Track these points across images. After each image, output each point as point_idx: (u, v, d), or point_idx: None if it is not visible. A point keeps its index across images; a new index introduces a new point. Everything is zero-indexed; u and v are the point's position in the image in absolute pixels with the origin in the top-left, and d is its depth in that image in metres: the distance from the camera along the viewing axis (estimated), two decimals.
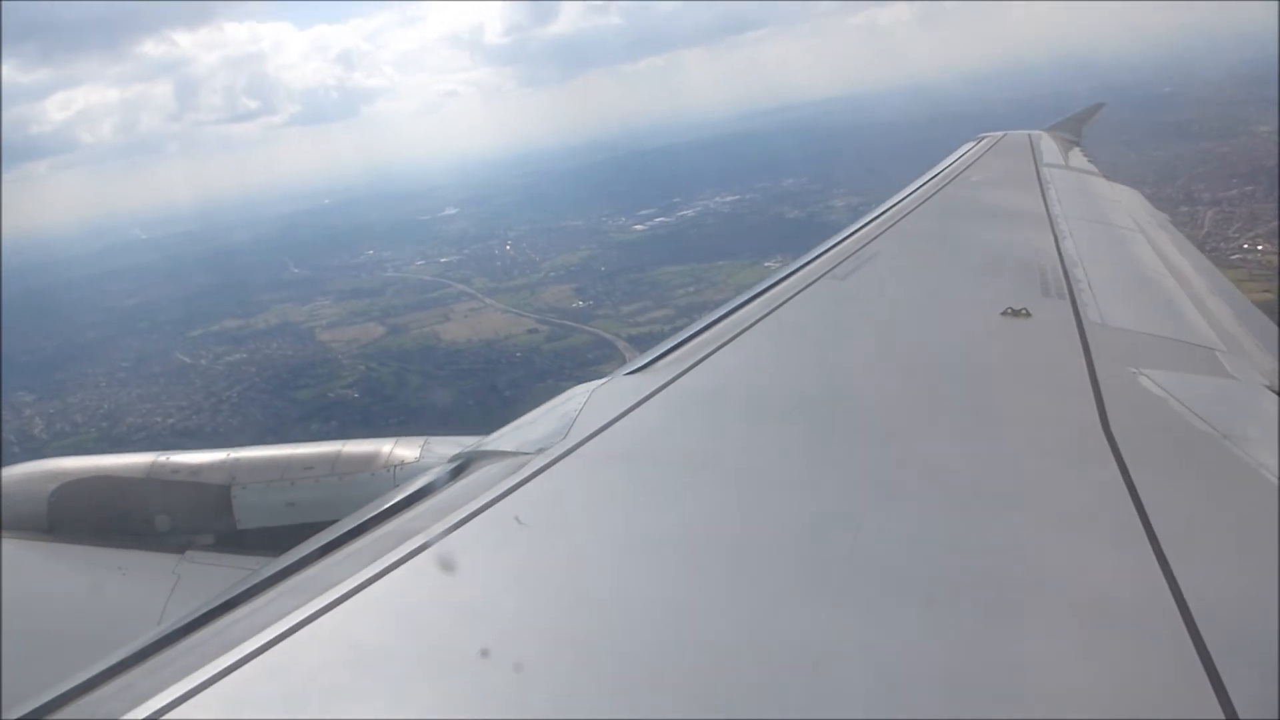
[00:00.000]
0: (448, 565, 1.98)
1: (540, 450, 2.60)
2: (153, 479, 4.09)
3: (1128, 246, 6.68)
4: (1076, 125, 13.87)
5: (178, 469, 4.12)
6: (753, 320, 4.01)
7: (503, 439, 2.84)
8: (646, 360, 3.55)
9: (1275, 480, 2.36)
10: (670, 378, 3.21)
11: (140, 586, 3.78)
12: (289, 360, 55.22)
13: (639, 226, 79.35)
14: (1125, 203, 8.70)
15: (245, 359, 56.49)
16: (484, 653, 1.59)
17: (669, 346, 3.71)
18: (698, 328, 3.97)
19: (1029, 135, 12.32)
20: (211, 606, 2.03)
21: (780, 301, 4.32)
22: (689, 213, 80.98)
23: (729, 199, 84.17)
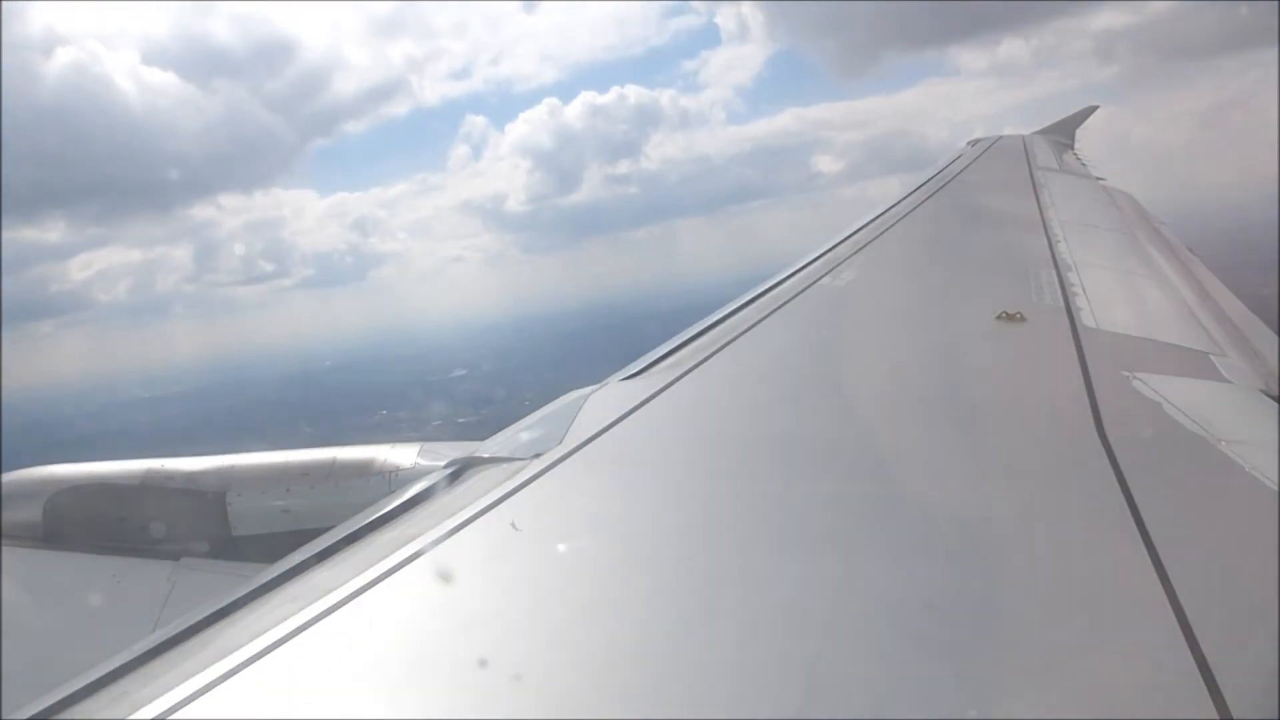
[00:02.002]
0: (444, 571, 1.98)
1: (536, 456, 2.60)
2: (148, 486, 4.08)
3: (1122, 249, 6.70)
4: (1069, 128, 13.92)
5: (173, 476, 4.12)
6: (748, 325, 4.01)
7: (498, 444, 2.84)
8: (642, 366, 3.55)
9: (1270, 484, 2.37)
10: (665, 383, 3.21)
11: (135, 593, 3.77)
12: None
13: None
14: (1119, 205, 8.72)
15: None
16: (480, 658, 1.59)
17: (664, 352, 3.71)
18: (692, 333, 3.97)
19: (1023, 138, 12.36)
20: (207, 614, 2.02)
21: (775, 306, 4.32)
22: None
23: None
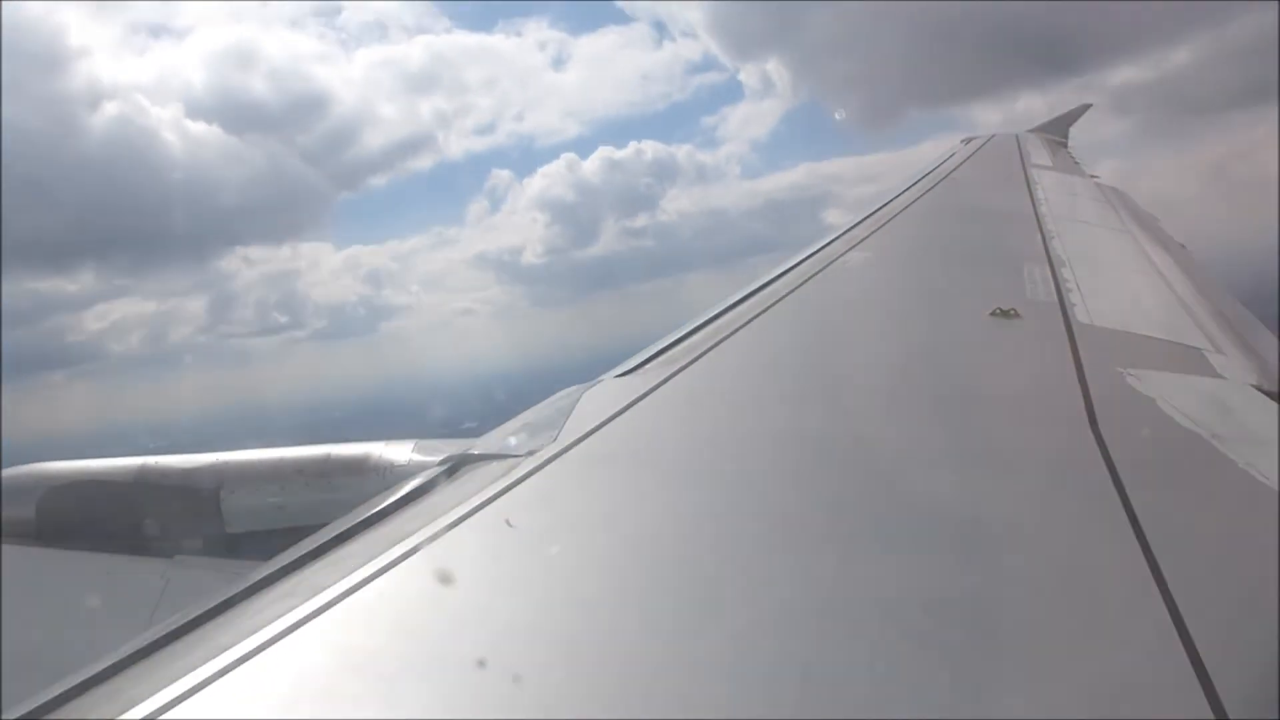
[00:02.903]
0: (438, 569, 1.98)
1: (530, 452, 2.60)
2: (141, 483, 4.07)
3: (1115, 246, 6.71)
4: (1063, 125, 13.93)
5: (167, 473, 4.10)
6: (743, 322, 4.01)
7: (493, 441, 2.84)
8: (637, 362, 3.55)
9: (1264, 480, 2.37)
10: (660, 379, 3.21)
11: (129, 591, 3.76)
12: None
13: None
14: (1112, 202, 8.74)
15: None
16: (475, 657, 1.59)
17: (659, 348, 3.71)
18: (687, 330, 3.97)
19: (1016, 136, 12.37)
20: (200, 611, 2.02)
21: (769, 304, 4.32)
22: None
23: None
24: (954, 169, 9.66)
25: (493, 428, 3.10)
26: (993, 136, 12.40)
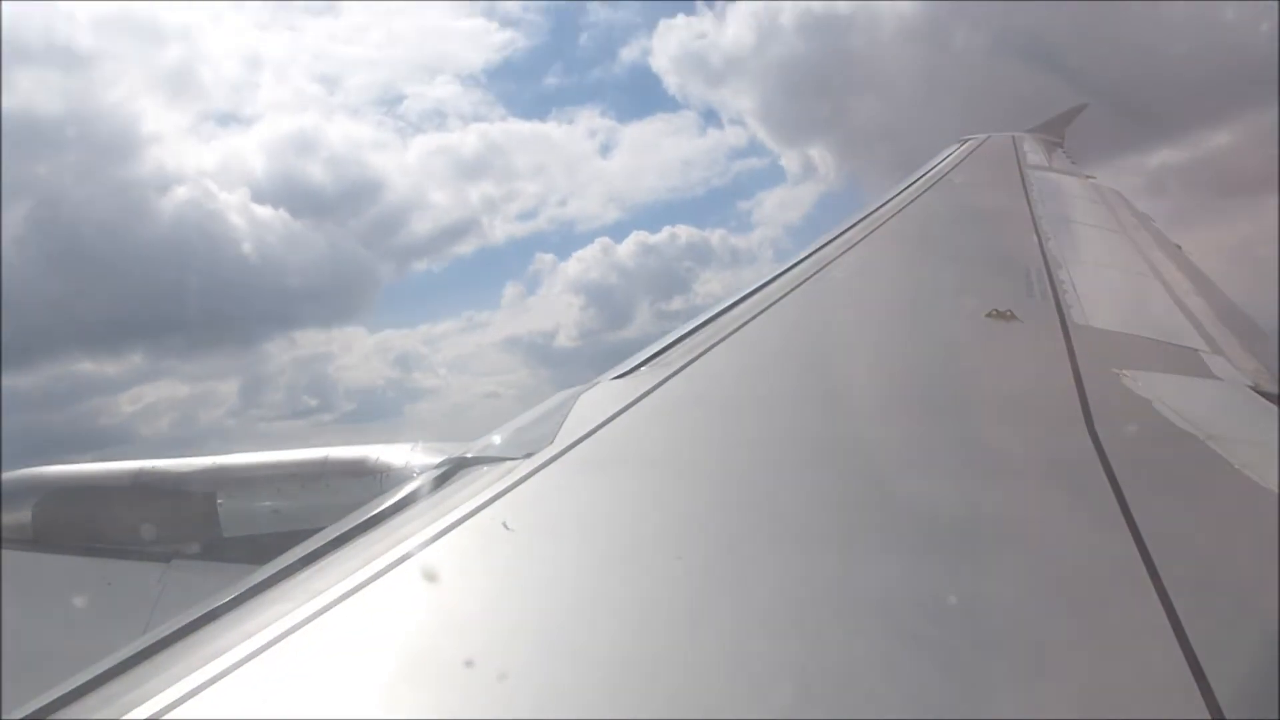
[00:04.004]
0: (435, 572, 1.98)
1: (527, 455, 2.59)
2: (138, 487, 4.07)
3: (1111, 247, 6.72)
4: (1059, 127, 13.94)
5: (163, 477, 4.10)
6: (739, 323, 4.01)
7: (490, 444, 2.83)
8: (633, 364, 3.55)
9: (1260, 481, 2.38)
10: (657, 381, 3.21)
11: (126, 596, 3.76)
12: None
13: None
14: (1108, 202, 8.75)
15: None
16: (473, 659, 1.59)
17: (655, 350, 3.71)
18: (684, 331, 3.97)
19: (1012, 137, 12.37)
20: (197, 615, 2.02)
21: (766, 305, 4.32)
22: None
23: None
24: (950, 169, 9.67)
25: (489, 431, 3.09)
26: (989, 137, 12.40)
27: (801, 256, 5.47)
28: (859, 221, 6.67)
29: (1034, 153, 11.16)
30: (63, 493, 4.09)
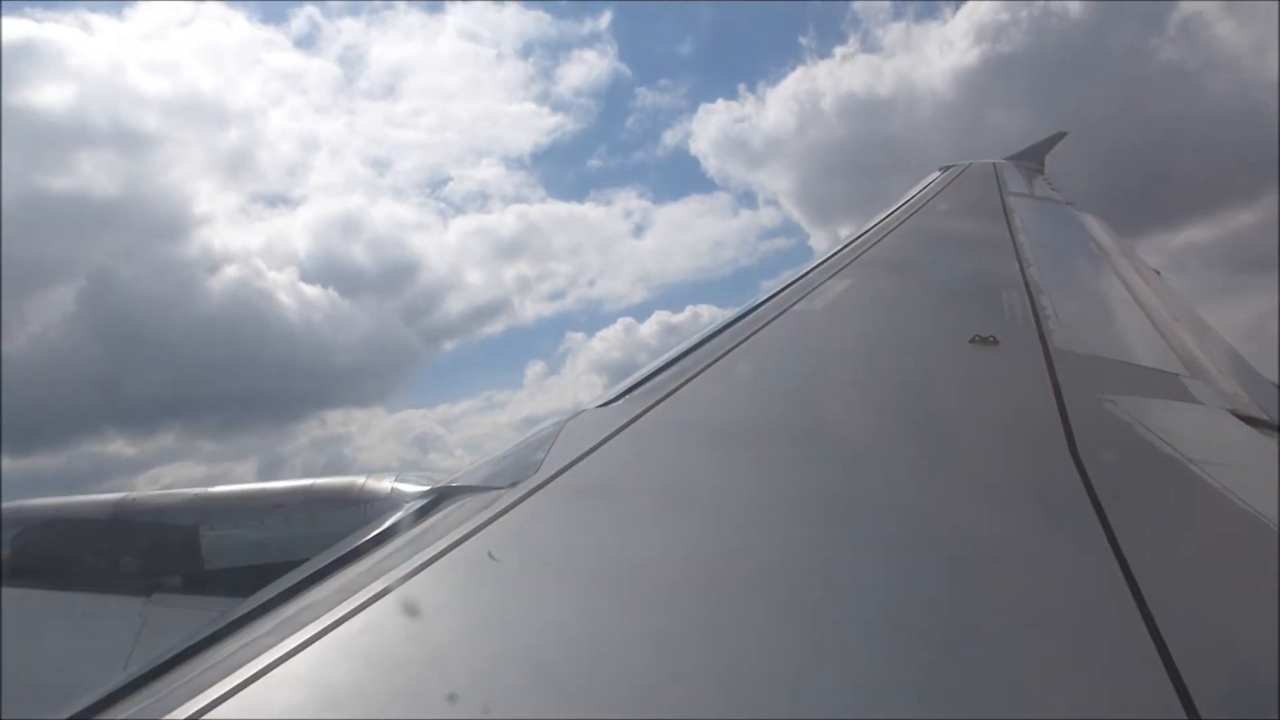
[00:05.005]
0: (421, 603, 1.96)
1: (513, 484, 2.59)
2: (119, 520, 4.02)
3: (1092, 272, 6.78)
4: (1039, 154, 14.09)
5: (145, 509, 4.06)
6: (724, 350, 4.02)
7: (474, 474, 2.83)
8: (618, 392, 3.55)
9: (1242, 504, 2.39)
10: (642, 409, 3.21)
11: (106, 631, 3.71)
12: None
13: None
14: (1088, 229, 8.84)
15: None
16: (460, 692, 1.57)
17: (641, 378, 3.71)
18: (668, 359, 3.98)
19: (993, 164, 12.49)
20: (179, 650, 2.00)
21: (750, 332, 4.34)
22: None
23: None
24: (932, 197, 9.75)
25: (475, 460, 3.09)
26: (970, 164, 12.52)
27: (785, 284, 5.50)
28: (842, 249, 6.71)
29: (1015, 180, 11.26)
30: (42, 526, 4.05)
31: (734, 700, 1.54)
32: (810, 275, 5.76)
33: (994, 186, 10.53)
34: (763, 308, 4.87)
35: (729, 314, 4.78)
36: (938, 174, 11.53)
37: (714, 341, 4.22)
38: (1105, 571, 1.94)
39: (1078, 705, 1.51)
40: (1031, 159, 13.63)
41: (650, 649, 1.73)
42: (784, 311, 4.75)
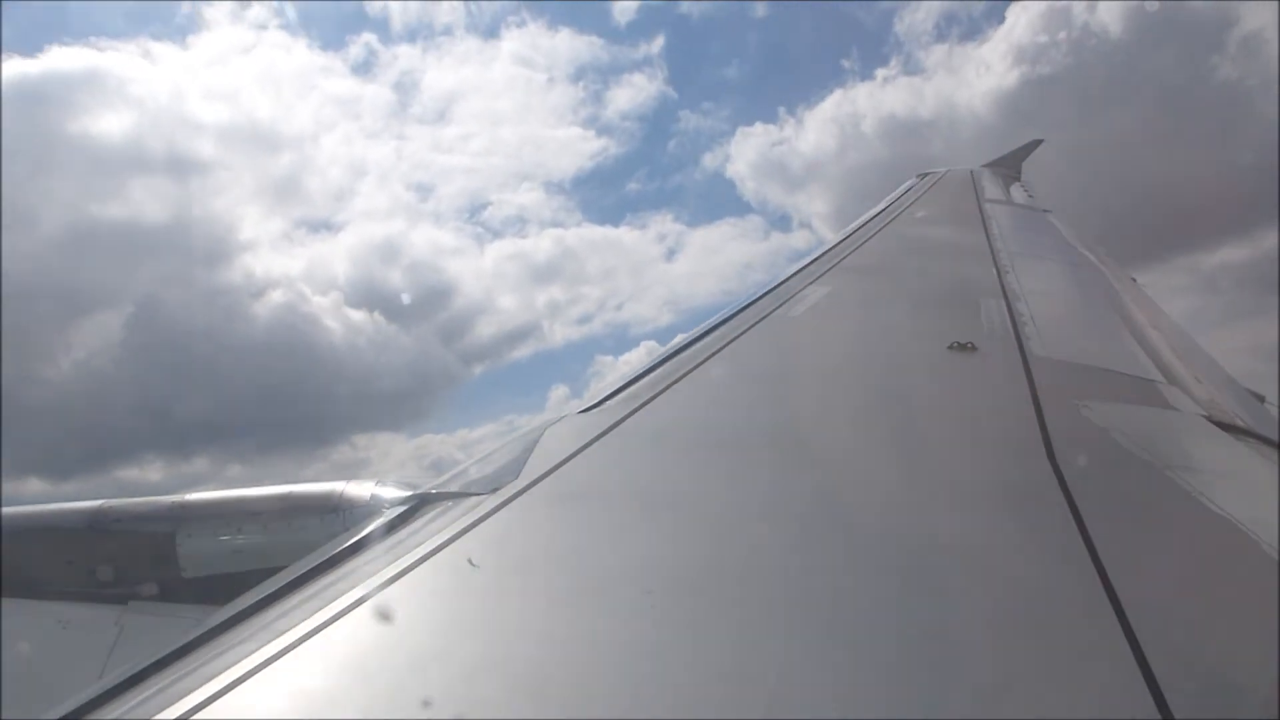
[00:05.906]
0: (400, 610, 1.96)
1: (493, 490, 2.58)
2: (95, 528, 3.98)
3: (1069, 279, 6.83)
4: (1015, 161, 14.22)
5: (121, 516, 4.02)
6: (703, 357, 4.03)
7: (455, 479, 2.82)
8: (599, 398, 3.55)
9: (1217, 510, 2.41)
10: (623, 415, 3.21)
11: (81, 640, 3.67)
12: None
13: None
14: (1065, 235, 8.91)
15: None
16: (438, 698, 1.57)
17: (621, 384, 3.72)
18: (649, 365, 3.98)
19: (970, 171, 12.59)
20: (156, 659, 1.98)
21: (729, 339, 4.35)
22: None
23: None
24: (910, 204, 9.81)
25: (455, 466, 3.08)
26: (947, 171, 12.61)
27: (764, 291, 5.52)
28: (821, 256, 6.74)
29: (992, 187, 11.36)
30: (15, 534, 4.00)
31: (712, 704, 1.54)
32: (789, 282, 5.78)
33: (971, 193, 10.61)
34: (742, 314, 4.88)
35: (709, 320, 4.79)
36: (915, 180, 11.60)
37: (694, 348, 4.23)
38: (1082, 576, 1.95)
39: (1055, 706, 1.52)
40: (1008, 166, 13.76)
41: (628, 654, 1.73)
42: (763, 318, 4.77)
